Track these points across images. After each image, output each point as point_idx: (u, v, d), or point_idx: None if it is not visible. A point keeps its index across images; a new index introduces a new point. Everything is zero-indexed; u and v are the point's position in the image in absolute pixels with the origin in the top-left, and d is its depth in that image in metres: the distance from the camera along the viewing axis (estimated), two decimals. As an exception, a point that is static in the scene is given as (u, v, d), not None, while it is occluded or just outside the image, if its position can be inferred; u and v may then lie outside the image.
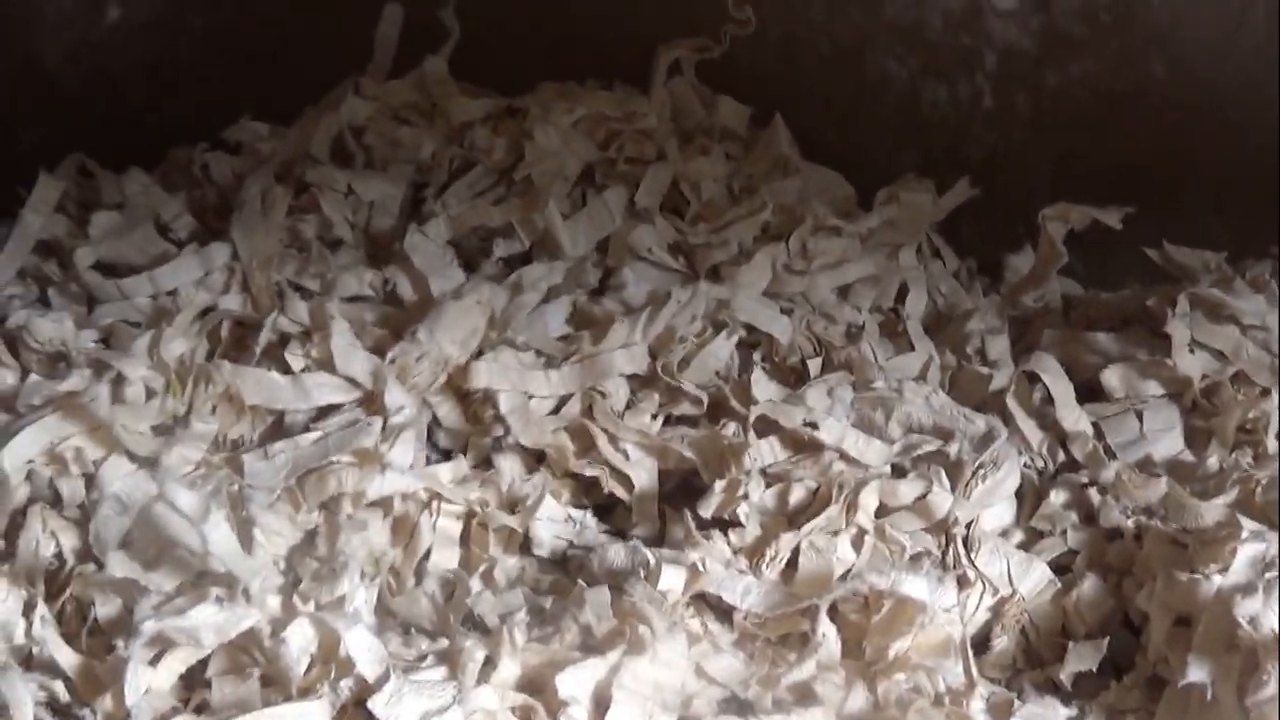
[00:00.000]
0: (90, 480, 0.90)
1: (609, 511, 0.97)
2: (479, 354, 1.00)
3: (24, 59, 1.19)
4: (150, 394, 0.95)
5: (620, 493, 0.96)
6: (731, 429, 0.97)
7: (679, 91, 1.19)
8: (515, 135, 1.15)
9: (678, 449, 0.96)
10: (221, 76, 1.21)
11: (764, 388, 0.99)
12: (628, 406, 1.00)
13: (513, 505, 0.94)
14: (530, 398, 0.98)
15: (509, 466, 0.96)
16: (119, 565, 0.84)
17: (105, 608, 0.83)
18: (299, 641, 0.80)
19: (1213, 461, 0.97)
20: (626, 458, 0.96)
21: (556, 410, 0.99)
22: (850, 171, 1.18)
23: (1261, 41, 1.10)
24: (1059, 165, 1.18)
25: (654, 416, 0.99)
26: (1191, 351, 1.01)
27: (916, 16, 1.17)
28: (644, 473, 0.96)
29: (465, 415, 0.99)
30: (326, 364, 0.98)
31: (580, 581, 0.87)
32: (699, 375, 1.00)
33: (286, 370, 0.98)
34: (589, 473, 0.96)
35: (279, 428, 0.96)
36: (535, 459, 0.97)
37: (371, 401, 0.97)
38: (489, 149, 1.14)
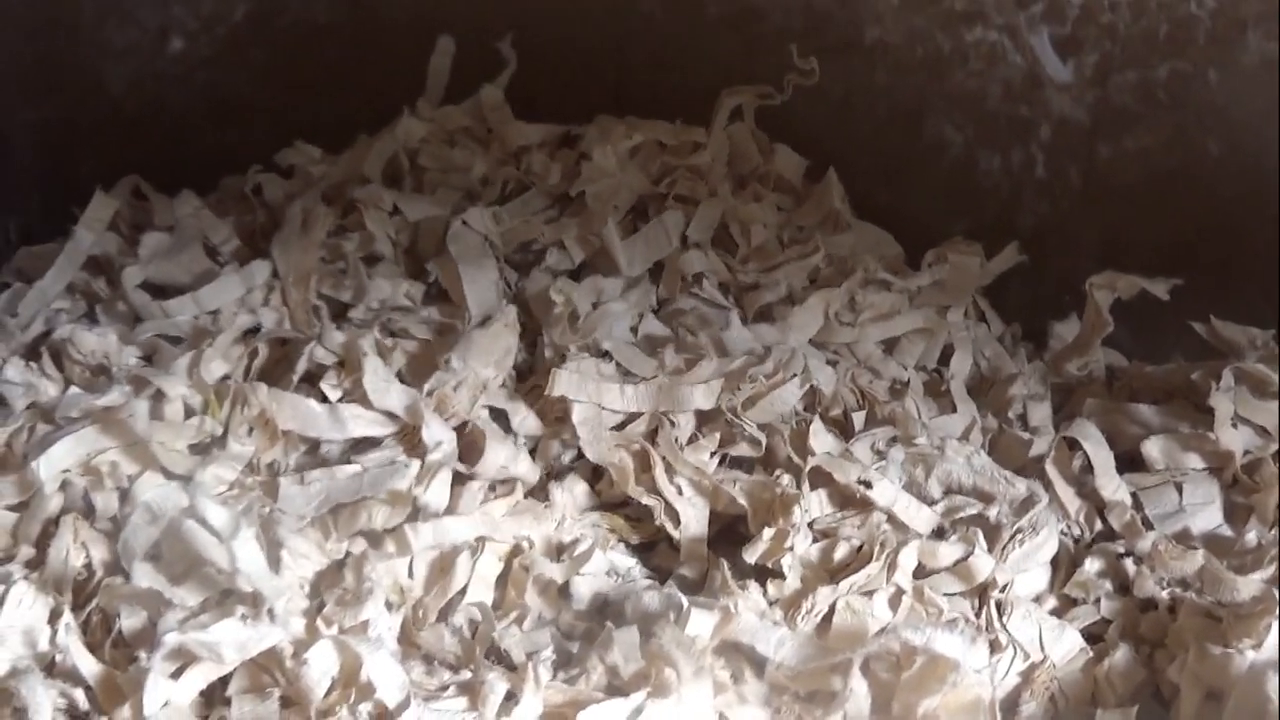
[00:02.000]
0: (124, 495, 0.90)
1: (652, 549, 0.96)
2: (561, 358, 0.99)
3: (90, 85, 1.21)
4: (189, 412, 0.95)
5: (670, 528, 0.94)
6: (785, 479, 0.95)
7: (737, 136, 1.18)
8: (571, 163, 1.15)
9: (730, 493, 0.95)
10: (279, 109, 1.22)
11: (822, 439, 0.98)
12: (690, 439, 0.98)
13: (559, 548, 0.93)
14: (602, 410, 0.98)
15: (563, 500, 0.95)
16: (145, 576, 0.84)
17: (130, 619, 0.83)
18: (321, 664, 0.80)
19: (1251, 537, 0.95)
20: (680, 493, 0.95)
21: (623, 426, 0.98)
22: (900, 232, 1.18)
23: (1315, 123, 1.10)
24: (1108, 237, 1.18)
25: (712, 454, 0.98)
26: (1234, 426, 1.00)
27: (977, 85, 1.17)
28: (694, 512, 0.95)
29: (541, 417, 0.99)
30: (363, 397, 0.97)
31: (609, 623, 0.86)
32: (762, 417, 0.99)
33: (323, 398, 0.97)
34: (645, 501, 0.95)
35: (314, 455, 0.96)
36: (594, 476, 0.97)
37: (410, 434, 0.96)
38: (545, 173, 1.15)
